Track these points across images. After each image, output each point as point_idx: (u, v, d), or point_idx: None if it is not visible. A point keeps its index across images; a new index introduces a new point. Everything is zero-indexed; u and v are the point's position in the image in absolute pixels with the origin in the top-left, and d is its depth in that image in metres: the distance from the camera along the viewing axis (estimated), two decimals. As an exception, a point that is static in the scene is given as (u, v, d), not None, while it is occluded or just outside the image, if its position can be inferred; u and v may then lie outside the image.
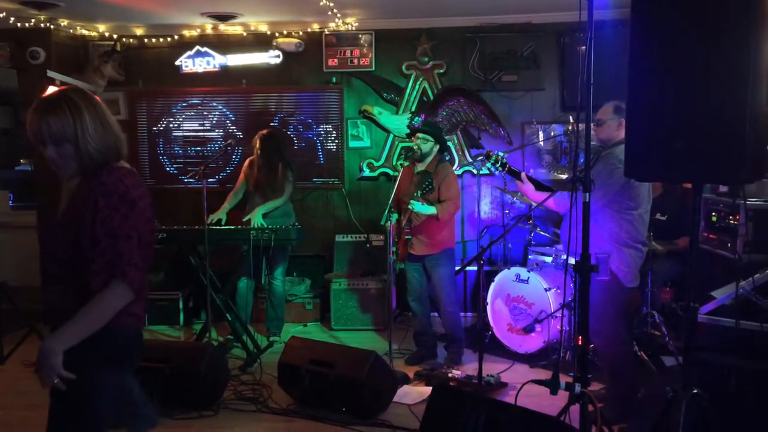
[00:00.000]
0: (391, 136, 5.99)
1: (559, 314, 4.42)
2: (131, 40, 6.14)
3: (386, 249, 4.55)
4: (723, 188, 4.26)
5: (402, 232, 4.50)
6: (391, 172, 5.99)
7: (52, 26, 5.71)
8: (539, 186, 3.74)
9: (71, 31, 5.97)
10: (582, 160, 2.75)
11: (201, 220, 4.59)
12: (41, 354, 1.91)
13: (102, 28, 6.07)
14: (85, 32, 6.07)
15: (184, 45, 5.99)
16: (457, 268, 4.49)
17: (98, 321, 1.95)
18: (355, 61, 5.95)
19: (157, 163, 6.23)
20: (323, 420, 3.70)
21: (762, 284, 3.19)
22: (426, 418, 3.08)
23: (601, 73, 2.55)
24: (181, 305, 5.68)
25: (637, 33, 2.30)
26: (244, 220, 4.92)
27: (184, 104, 6.18)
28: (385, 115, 5.88)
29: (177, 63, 5.93)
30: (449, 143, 5.74)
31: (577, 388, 2.59)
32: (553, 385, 2.65)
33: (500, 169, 3.80)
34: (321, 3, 5.10)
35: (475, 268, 5.22)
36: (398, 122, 5.88)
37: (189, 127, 6.20)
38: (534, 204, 4.16)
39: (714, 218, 4.12)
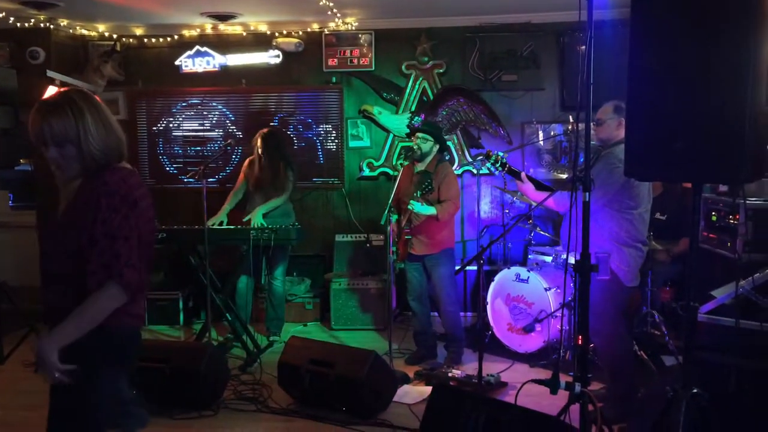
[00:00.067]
0: (391, 135, 5.99)
1: (559, 314, 4.42)
2: (131, 39, 6.14)
3: (386, 249, 4.55)
4: (723, 188, 4.26)
5: (402, 232, 4.50)
6: (391, 172, 5.99)
7: (51, 26, 5.71)
8: (539, 186, 3.74)
9: (71, 31, 5.97)
10: (582, 160, 2.75)
11: (201, 220, 4.59)
12: (38, 353, 1.93)
13: (102, 27, 6.07)
14: (84, 32, 6.07)
15: (184, 45, 5.99)
16: (457, 267, 4.49)
17: (92, 321, 1.96)
18: (355, 60, 5.95)
19: (156, 162, 6.23)
20: (323, 420, 3.70)
21: (762, 284, 3.19)
22: (426, 417, 3.08)
23: (601, 73, 2.55)
24: (181, 305, 5.68)
25: (637, 33, 2.30)
26: (245, 220, 4.92)
27: (183, 104, 6.18)
28: (384, 114, 5.89)
29: (177, 63, 5.93)
30: (449, 143, 5.74)
31: (577, 387, 2.59)
32: (553, 385, 2.65)
33: (500, 168, 3.80)
34: (321, 3, 5.10)
35: (475, 267, 5.22)
36: (398, 122, 5.88)
37: (189, 126, 6.20)
38: (534, 204, 4.16)
39: (714, 218, 4.12)
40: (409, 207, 4.29)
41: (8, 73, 5.36)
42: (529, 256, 5.34)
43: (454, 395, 3.07)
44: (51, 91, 5.10)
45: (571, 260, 2.74)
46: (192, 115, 6.19)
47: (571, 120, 5.70)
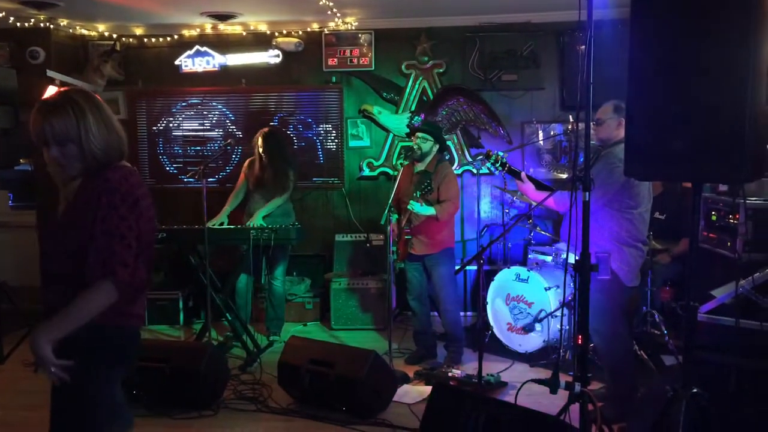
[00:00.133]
0: (391, 135, 5.99)
1: (558, 313, 4.42)
2: (131, 39, 6.14)
3: (386, 248, 4.55)
4: (723, 187, 4.26)
5: (402, 232, 4.50)
6: (390, 172, 5.99)
7: (51, 26, 5.71)
8: (539, 185, 3.74)
9: (71, 30, 5.97)
10: (582, 160, 2.75)
11: (201, 220, 4.59)
12: (31, 347, 1.94)
13: (102, 27, 6.07)
14: (84, 32, 6.07)
15: (184, 45, 5.99)
16: (457, 267, 4.49)
17: (82, 317, 1.95)
18: (355, 60, 5.95)
19: (156, 162, 6.23)
20: (323, 419, 3.70)
21: (762, 283, 3.19)
22: (426, 417, 3.08)
23: (601, 73, 2.54)
24: (180, 305, 5.68)
25: (637, 32, 2.30)
26: (246, 224, 4.91)
27: (183, 104, 6.18)
28: (384, 114, 5.89)
29: (176, 62, 5.93)
30: (449, 143, 5.74)
31: (577, 387, 2.59)
32: (552, 385, 2.65)
33: (500, 168, 3.80)
34: (320, 2, 5.10)
35: (475, 267, 5.23)
36: (398, 121, 5.89)
37: (189, 126, 6.20)
38: (534, 203, 4.16)
39: (714, 217, 4.12)
40: (409, 207, 4.30)
41: (8, 72, 5.35)
42: (529, 256, 5.35)
43: (454, 395, 3.07)
44: (51, 91, 5.10)
45: (571, 260, 2.74)
46: (192, 114, 6.19)
47: (571, 120, 5.70)
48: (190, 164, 6.03)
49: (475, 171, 5.95)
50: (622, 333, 3.65)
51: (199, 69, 5.91)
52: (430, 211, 4.35)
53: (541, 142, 5.85)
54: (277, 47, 5.92)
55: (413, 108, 5.93)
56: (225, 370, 4.10)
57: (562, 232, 4.23)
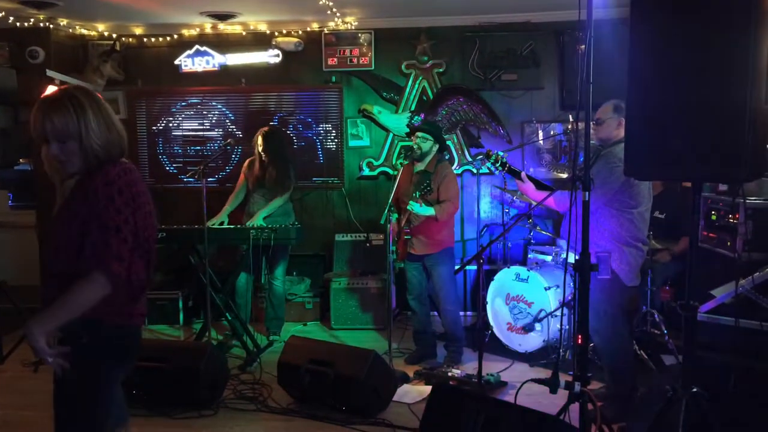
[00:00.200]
0: (391, 135, 5.99)
1: (558, 313, 4.42)
2: (130, 39, 6.14)
3: (386, 248, 4.55)
4: (722, 187, 4.26)
5: (402, 232, 4.50)
6: (390, 171, 5.99)
7: (51, 26, 5.71)
8: (539, 185, 3.74)
9: (70, 30, 5.97)
10: (582, 159, 2.75)
11: (200, 220, 4.59)
12: (26, 337, 1.94)
13: (101, 27, 6.07)
14: (84, 32, 6.06)
15: (184, 44, 5.99)
16: (456, 267, 4.49)
17: (75, 309, 1.96)
18: (355, 60, 5.95)
19: (156, 162, 6.23)
20: (323, 419, 3.70)
21: (762, 283, 3.19)
22: (426, 417, 3.08)
23: (601, 72, 2.54)
24: (180, 305, 5.68)
25: (637, 31, 2.30)
26: (247, 224, 4.91)
27: (183, 104, 6.18)
28: (384, 114, 5.89)
29: (176, 62, 5.94)
30: (448, 142, 5.74)
31: (577, 386, 2.59)
32: (552, 384, 2.65)
33: (500, 168, 3.80)
34: (320, 2, 5.10)
35: (475, 267, 5.23)
36: (398, 121, 5.89)
37: (188, 126, 6.20)
38: (534, 203, 4.16)
39: (713, 217, 4.12)
40: (408, 208, 4.30)
41: (8, 72, 5.36)
42: (529, 256, 5.35)
43: (454, 395, 3.07)
44: (51, 91, 5.10)
45: (571, 259, 2.74)
46: (192, 114, 6.19)
47: (570, 119, 5.70)
48: (190, 164, 6.02)
49: (474, 171, 5.95)
50: (622, 332, 3.65)
51: (199, 69, 5.91)
52: (430, 211, 4.35)
53: (541, 142, 5.85)
54: (276, 47, 5.91)
55: (413, 108, 5.93)
56: (225, 369, 4.10)
57: (562, 232, 4.23)
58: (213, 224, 4.91)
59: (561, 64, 5.79)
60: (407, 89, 5.95)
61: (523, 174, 3.72)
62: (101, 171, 2.03)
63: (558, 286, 4.53)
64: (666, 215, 4.83)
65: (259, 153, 5.02)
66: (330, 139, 6.08)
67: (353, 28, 5.90)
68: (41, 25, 5.66)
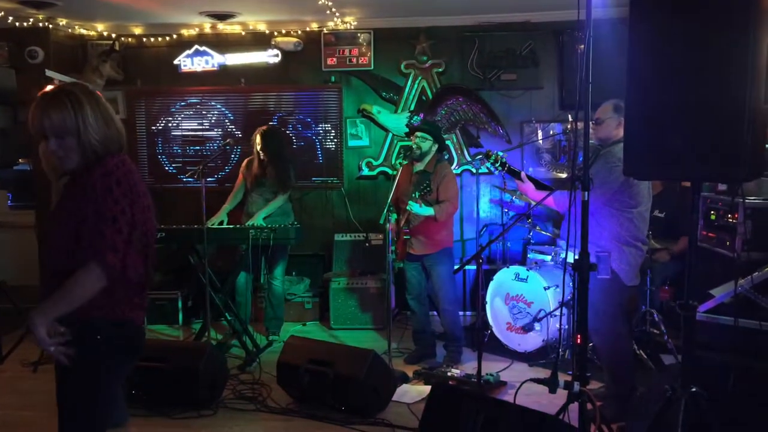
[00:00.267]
0: (390, 135, 5.99)
1: (558, 313, 4.42)
2: (130, 39, 6.14)
3: (385, 248, 4.55)
4: (722, 186, 4.26)
5: (401, 232, 4.50)
6: (390, 171, 5.99)
7: (50, 25, 5.70)
8: (539, 185, 3.74)
9: (70, 30, 5.96)
10: (581, 159, 2.75)
11: (200, 220, 4.59)
12: (30, 329, 1.96)
13: (100, 27, 6.06)
14: (83, 31, 6.06)
15: (183, 44, 5.99)
16: (456, 266, 4.48)
17: (71, 300, 1.96)
18: (354, 60, 5.95)
19: (155, 162, 6.23)
20: (322, 419, 3.70)
21: (761, 282, 3.19)
22: (425, 416, 3.08)
23: (600, 72, 2.55)
24: (180, 305, 5.68)
25: (636, 31, 2.30)
26: (247, 224, 4.90)
27: (182, 103, 6.18)
28: (384, 114, 5.89)
29: (176, 62, 5.93)
30: (448, 142, 5.74)
31: (576, 386, 2.59)
32: (552, 384, 2.65)
33: (500, 168, 3.80)
34: (320, 2, 5.10)
35: (474, 266, 5.23)
36: (397, 121, 5.89)
37: (188, 126, 6.20)
38: (533, 203, 4.16)
39: (713, 216, 4.12)
40: (408, 208, 4.30)
41: (7, 72, 5.35)
42: (529, 255, 5.35)
43: (453, 394, 3.07)
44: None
45: (571, 259, 2.74)
46: (191, 114, 6.19)
47: (570, 119, 5.70)
48: (189, 164, 6.03)
49: (474, 170, 5.95)
50: (621, 332, 3.65)
51: (198, 69, 5.91)
52: (429, 211, 4.35)
53: (540, 142, 5.85)
54: (276, 47, 5.91)
55: (412, 107, 5.93)
56: (224, 369, 4.10)
57: (562, 232, 4.23)
58: (212, 223, 4.92)
59: (560, 64, 5.79)
60: (406, 89, 5.95)
61: (522, 174, 3.72)
62: (99, 164, 2.03)
63: (557, 286, 4.53)
64: (665, 215, 4.83)
65: (258, 152, 5.02)
66: (329, 138, 6.08)
67: (352, 27, 5.90)
68: (40, 25, 5.66)
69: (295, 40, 5.93)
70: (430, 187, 4.27)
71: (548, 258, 5.04)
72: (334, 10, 5.41)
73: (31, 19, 5.59)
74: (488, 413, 2.78)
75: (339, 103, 6.02)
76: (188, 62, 5.91)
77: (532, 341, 4.59)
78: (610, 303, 3.47)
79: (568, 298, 3.71)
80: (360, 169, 6.08)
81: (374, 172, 6.08)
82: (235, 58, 5.91)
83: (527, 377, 2.85)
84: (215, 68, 5.91)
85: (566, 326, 4.45)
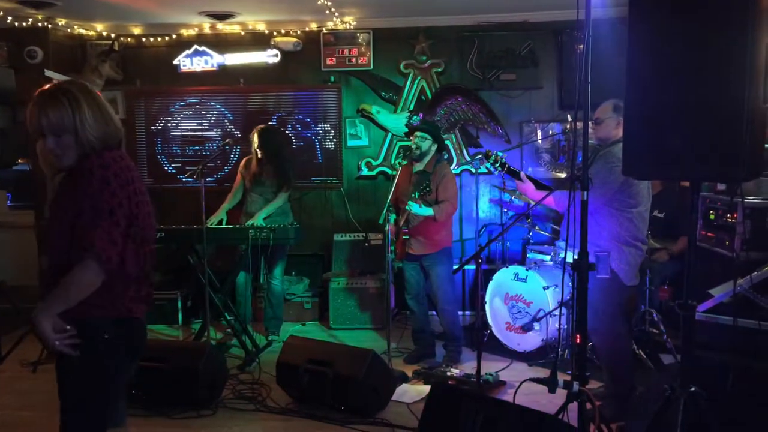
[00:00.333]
0: (390, 135, 5.99)
1: (557, 312, 4.43)
2: (129, 39, 6.13)
3: (385, 248, 4.55)
4: (721, 186, 4.27)
5: (400, 232, 4.50)
6: (389, 171, 5.99)
7: (49, 25, 5.70)
8: (538, 185, 3.74)
9: (69, 30, 5.96)
10: (580, 159, 2.75)
11: (199, 220, 4.59)
12: (35, 327, 1.98)
13: (100, 27, 6.06)
14: (82, 31, 6.06)
15: (182, 44, 5.98)
16: (455, 266, 4.48)
17: (71, 295, 1.97)
18: (353, 59, 5.95)
19: (155, 162, 6.23)
20: (322, 419, 3.70)
21: (760, 282, 3.19)
22: (424, 416, 3.08)
23: (600, 72, 2.55)
24: (179, 305, 5.68)
25: (635, 31, 2.30)
26: (246, 224, 4.90)
27: (182, 103, 6.17)
28: (383, 113, 5.89)
29: (175, 62, 5.93)
30: (447, 142, 5.74)
31: (575, 386, 2.60)
32: (551, 384, 2.66)
33: (499, 169, 3.79)
34: (319, 2, 5.10)
35: (474, 266, 5.23)
36: (396, 121, 5.89)
37: (187, 126, 6.20)
38: (533, 203, 4.16)
39: (712, 216, 4.13)
40: (407, 208, 4.30)
41: (6, 72, 5.35)
42: (528, 255, 5.35)
43: (453, 394, 3.07)
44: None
45: (570, 259, 2.74)
46: (190, 114, 6.19)
47: (569, 119, 5.70)
48: (189, 164, 6.02)
49: (473, 170, 5.95)
50: (621, 332, 3.65)
51: (198, 68, 5.91)
52: (428, 211, 4.35)
53: (540, 142, 5.85)
54: (275, 47, 5.91)
55: (412, 107, 5.93)
56: (223, 369, 4.10)
57: (562, 232, 4.23)
58: (212, 222, 4.92)
59: (559, 64, 5.79)
60: (406, 89, 5.95)
61: (522, 174, 3.72)
62: (96, 154, 2.03)
63: (557, 286, 4.53)
64: (664, 214, 4.84)
65: (255, 150, 5.02)
66: (329, 138, 6.08)
67: (352, 27, 5.90)
68: (39, 24, 5.66)
69: (294, 40, 5.93)
70: (430, 188, 4.27)
71: (547, 258, 5.04)
72: (333, 10, 5.41)
73: (30, 19, 5.59)
74: (487, 413, 2.78)
75: (338, 103, 6.02)
76: (187, 62, 5.91)
77: (531, 341, 4.60)
78: (610, 303, 3.47)
79: (568, 297, 3.71)
80: (359, 169, 6.08)
81: (373, 172, 6.08)
82: (235, 58, 5.91)
83: (526, 377, 2.86)
84: (214, 68, 5.91)
85: (565, 326, 4.45)
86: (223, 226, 5.00)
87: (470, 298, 5.91)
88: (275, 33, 5.97)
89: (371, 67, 5.96)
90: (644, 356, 4.36)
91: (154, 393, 3.78)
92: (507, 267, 4.83)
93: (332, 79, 6.05)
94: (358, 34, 5.92)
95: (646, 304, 4.60)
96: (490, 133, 5.78)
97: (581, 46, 2.52)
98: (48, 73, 5.44)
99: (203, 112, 6.17)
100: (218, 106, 6.14)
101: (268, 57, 5.89)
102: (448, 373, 4.17)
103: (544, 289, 4.49)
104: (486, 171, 5.87)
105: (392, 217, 4.47)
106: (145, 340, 2.27)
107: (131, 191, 2.04)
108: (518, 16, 5.72)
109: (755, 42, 2.09)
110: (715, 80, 2.14)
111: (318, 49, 5.95)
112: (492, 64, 5.78)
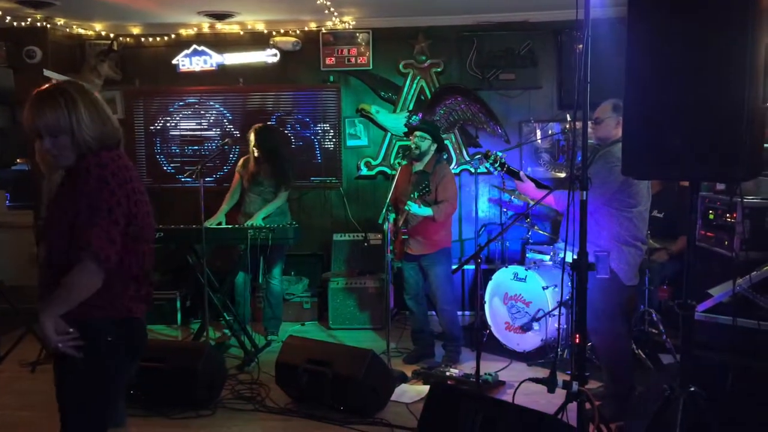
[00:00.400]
0: (389, 134, 5.99)
1: (556, 312, 4.42)
2: (128, 39, 6.13)
3: (384, 248, 4.55)
4: (720, 186, 4.26)
5: (399, 232, 4.50)
6: (388, 171, 5.98)
7: (48, 25, 5.70)
8: (538, 185, 3.73)
9: (68, 30, 5.95)
10: (580, 159, 2.75)
11: (198, 220, 4.58)
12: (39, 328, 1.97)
13: (99, 27, 6.06)
14: (81, 31, 6.05)
15: (181, 44, 5.98)
16: (454, 266, 4.48)
17: (74, 293, 1.97)
18: (353, 59, 5.95)
19: (154, 162, 6.22)
20: (321, 419, 3.69)
21: (759, 282, 3.19)
22: (424, 416, 3.08)
23: (599, 71, 2.55)
24: (178, 305, 5.67)
25: (635, 31, 2.30)
26: (245, 224, 4.90)
27: (181, 103, 6.17)
28: (382, 113, 5.89)
29: (174, 62, 5.93)
30: (446, 142, 5.74)
31: (575, 386, 2.59)
32: (550, 384, 2.66)
33: (499, 168, 3.79)
34: (318, 2, 5.09)
35: (473, 266, 5.23)
36: (396, 121, 5.88)
37: (186, 126, 6.19)
38: (532, 202, 4.16)
39: (711, 216, 4.12)
40: (406, 208, 4.29)
41: (5, 72, 5.34)
42: (527, 255, 5.35)
43: (452, 394, 3.07)
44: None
45: (569, 259, 2.74)
46: (189, 114, 6.18)
47: (568, 119, 5.70)
48: (188, 164, 6.01)
49: (472, 170, 5.95)
50: (620, 332, 3.65)
51: (197, 68, 5.90)
52: (428, 212, 4.34)
53: (539, 142, 5.85)
54: (274, 46, 5.91)
55: (411, 107, 5.92)
56: (222, 369, 4.10)
57: (562, 232, 4.23)
58: (210, 224, 4.91)
59: (559, 64, 5.79)
60: (405, 89, 5.94)
61: (522, 174, 3.72)
62: (93, 154, 2.03)
63: (556, 286, 4.53)
64: (664, 214, 4.84)
65: (253, 149, 5.01)
66: (328, 138, 6.08)
67: (351, 27, 5.90)
68: (38, 24, 5.65)
69: (293, 39, 5.92)
70: (429, 188, 4.27)
71: (547, 258, 5.04)
72: (332, 9, 5.40)
73: (29, 19, 5.58)
74: (487, 413, 2.78)
75: (337, 103, 6.02)
76: (186, 62, 5.90)
77: (530, 341, 4.59)
78: (609, 302, 3.47)
79: (567, 297, 3.72)
80: (359, 168, 6.07)
81: (373, 172, 6.07)
82: (234, 58, 5.91)
83: (526, 377, 2.86)
84: (213, 68, 5.90)
85: (565, 326, 4.44)
86: (222, 226, 4.99)
87: (469, 298, 5.91)
88: (274, 33, 5.97)
89: (370, 67, 5.95)
90: (643, 356, 4.36)
91: (153, 393, 3.78)
92: (506, 267, 4.83)
93: (331, 78, 6.04)
94: (357, 34, 5.92)
95: (646, 304, 4.60)
96: (490, 132, 5.78)
97: (580, 45, 2.52)
98: (47, 72, 5.43)
99: (202, 112, 6.16)
100: (217, 106, 6.14)
101: (267, 57, 5.89)
102: (448, 373, 4.17)
103: (544, 288, 4.49)
104: (485, 171, 5.87)
105: (391, 216, 4.47)
106: (146, 340, 2.27)
107: (129, 190, 2.03)
108: (518, 16, 5.72)
109: (755, 42, 2.09)
110: (715, 80, 2.14)
111: (317, 49, 5.95)
112: (491, 63, 5.78)
